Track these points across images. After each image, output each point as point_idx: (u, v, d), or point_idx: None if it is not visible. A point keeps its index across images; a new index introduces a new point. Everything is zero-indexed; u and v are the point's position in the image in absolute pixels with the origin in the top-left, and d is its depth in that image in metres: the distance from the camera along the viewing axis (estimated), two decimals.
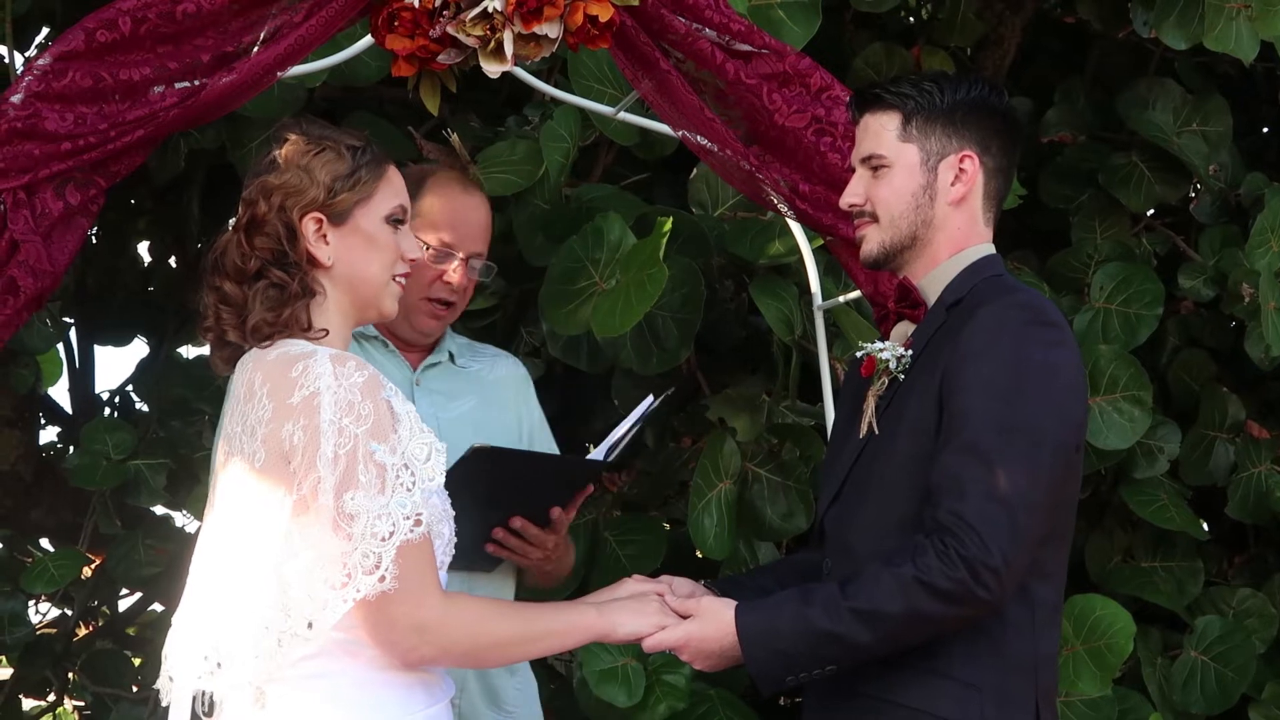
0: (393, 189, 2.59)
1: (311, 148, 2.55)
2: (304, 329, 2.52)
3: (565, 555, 3.26)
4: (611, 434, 3.07)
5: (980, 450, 2.55)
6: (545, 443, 3.39)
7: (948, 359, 2.63)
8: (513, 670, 3.26)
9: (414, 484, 2.39)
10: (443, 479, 2.45)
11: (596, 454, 3.08)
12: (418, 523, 2.38)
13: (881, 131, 2.78)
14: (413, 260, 2.61)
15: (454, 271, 3.20)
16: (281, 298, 2.52)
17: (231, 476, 2.48)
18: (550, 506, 3.06)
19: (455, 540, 2.55)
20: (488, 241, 3.30)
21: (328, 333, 2.53)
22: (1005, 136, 2.81)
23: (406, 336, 3.25)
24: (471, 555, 3.06)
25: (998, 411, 2.57)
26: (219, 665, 2.42)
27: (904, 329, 2.87)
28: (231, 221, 2.58)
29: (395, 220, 2.58)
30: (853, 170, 2.85)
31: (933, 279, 2.79)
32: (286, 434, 2.38)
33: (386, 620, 2.38)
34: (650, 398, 3.08)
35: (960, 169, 2.76)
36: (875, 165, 2.79)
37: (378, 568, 2.34)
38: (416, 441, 2.42)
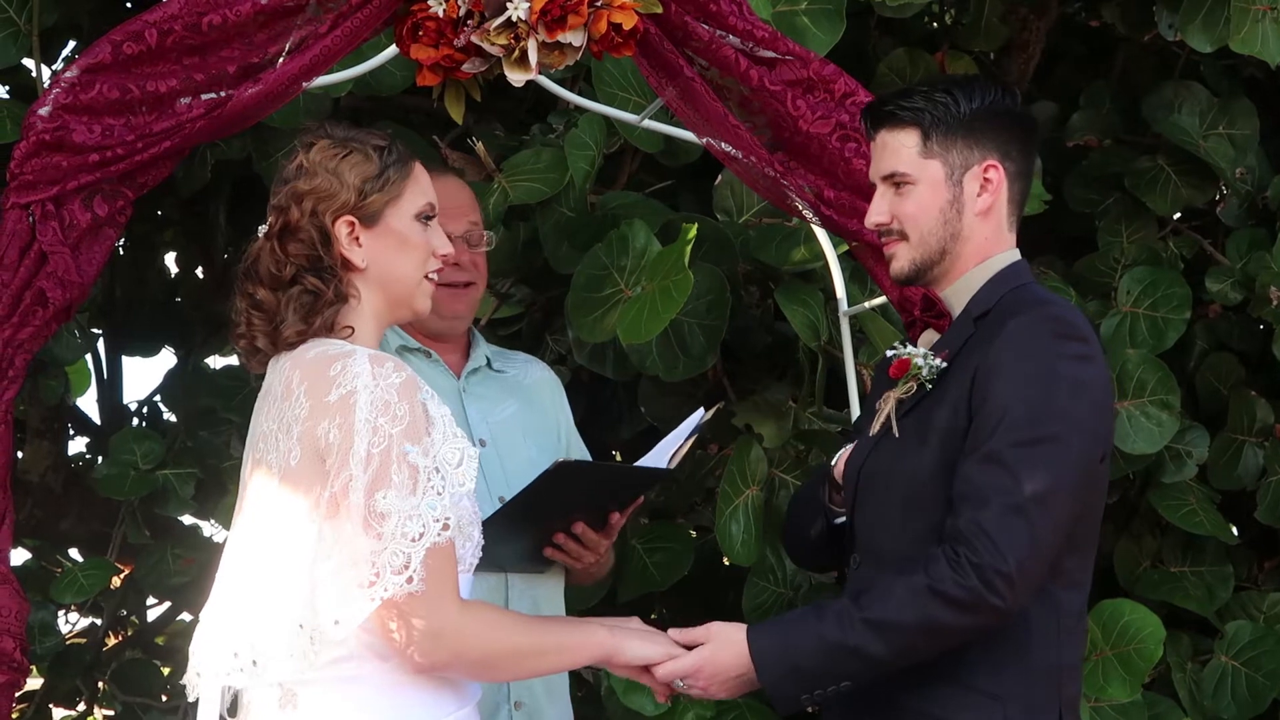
0: (420, 187, 2.61)
1: (338, 151, 2.56)
2: (329, 331, 2.53)
3: (608, 557, 3.27)
4: (660, 444, 3.07)
5: (1004, 461, 2.55)
6: (578, 445, 3.42)
7: (978, 370, 2.63)
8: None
9: (444, 488, 2.39)
10: (473, 485, 2.45)
11: (653, 461, 3.07)
12: (445, 527, 2.38)
13: (901, 149, 2.76)
14: (444, 256, 2.62)
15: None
16: (314, 305, 2.53)
17: (265, 475, 2.49)
18: (609, 512, 3.09)
19: (483, 544, 2.56)
20: (479, 213, 3.33)
21: (353, 330, 2.54)
22: (1023, 140, 2.80)
23: (438, 329, 3.26)
24: (531, 558, 3.11)
25: (1024, 424, 2.56)
26: (254, 663, 2.44)
27: (930, 336, 2.86)
28: (261, 229, 2.59)
29: (425, 217, 2.60)
30: (874, 185, 2.84)
31: (957, 289, 2.78)
32: (322, 432, 2.39)
33: (404, 623, 2.38)
34: (701, 410, 3.09)
35: (985, 179, 2.75)
36: (899, 182, 2.77)
37: (406, 568, 2.34)
38: (449, 446, 2.43)
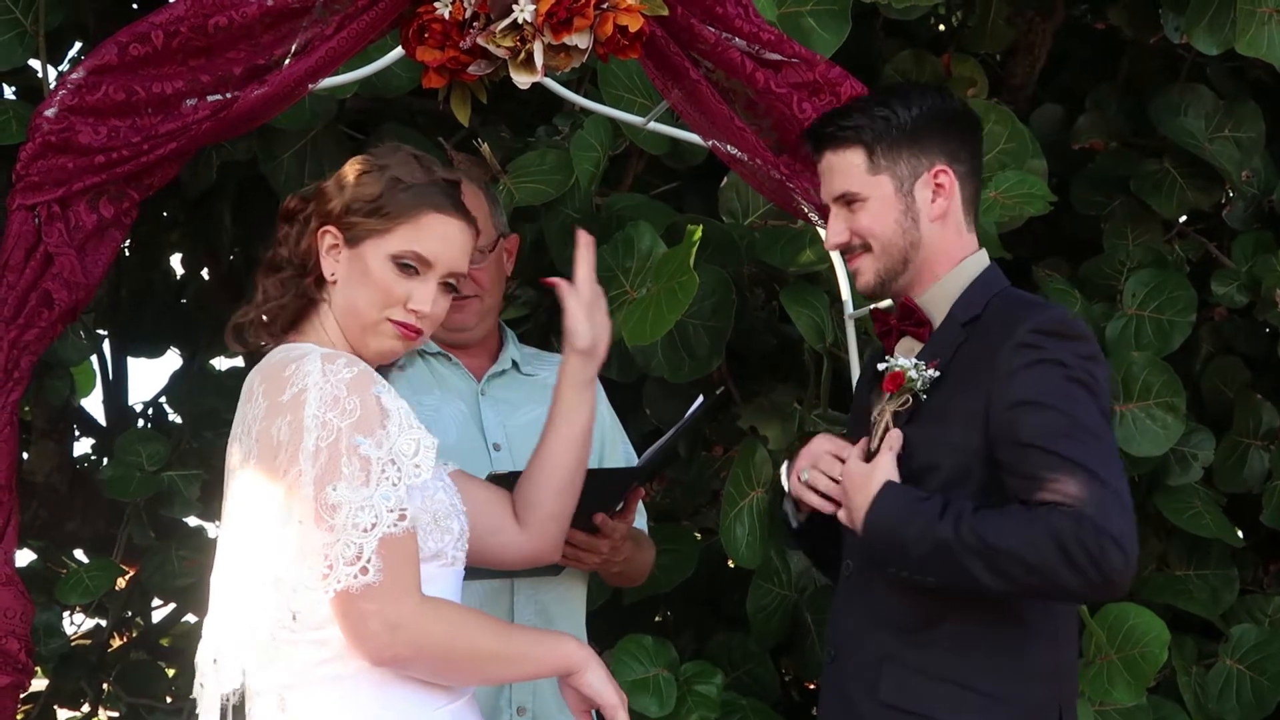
0: (418, 234, 2.55)
1: (363, 167, 2.58)
2: (273, 335, 2.56)
3: (636, 555, 3.24)
4: (662, 439, 3.07)
5: (1068, 456, 2.54)
6: (617, 444, 3.38)
7: (992, 384, 2.62)
8: None
9: (399, 479, 2.39)
10: (429, 473, 2.44)
11: (649, 457, 3.07)
12: (402, 517, 2.38)
13: (848, 169, 2.78)
14: (414, 310, 2.55)
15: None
16: (273, 298, 2.57)
17: (234, 478, 2.51)
18: (594, 513, 3.06)
19: (466, 535, 2.56)
20: (485, 228, 3.25)
21: (303, 335, 2.57)
22: (968, 138, 2.82)
23: (444, 338, 3.24)
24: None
25: (1057, 421, 2.56)
26: (214, 661, 2.47)
27: (909, 344, 2.86)
28: None
29: (403, 264, 2.54)
30: (827, 209, 2.85)
31: (933, 295, 2.80)
32: (275, 430, 2.40)
33: (359, 614, 2.36)
34: (701, 399, 3.09)
35: (937, 185, 2.77)
36: (850, 201, 2.79)
37: (359, 558, 2.34)
38: (405, 437, 2.42)
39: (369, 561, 2.34)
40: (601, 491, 3.06)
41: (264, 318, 2.58)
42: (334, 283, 2.56)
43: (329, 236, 2.56)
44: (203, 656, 2.53)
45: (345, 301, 2.56)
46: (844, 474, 2.71)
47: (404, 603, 2.37)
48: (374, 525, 2.35)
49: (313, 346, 2.50)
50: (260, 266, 2.63)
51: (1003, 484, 2.60)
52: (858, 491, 2.66)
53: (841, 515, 2.73)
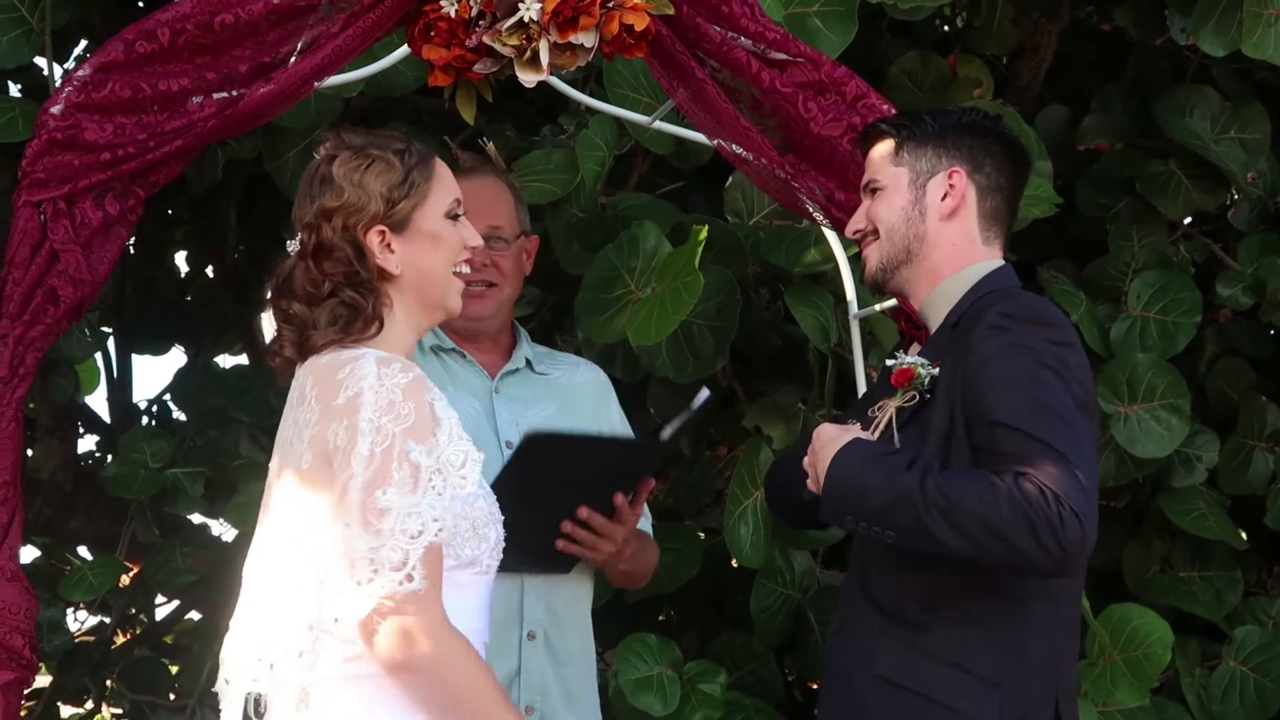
0: (445, 184, 2.62)
1: (361, 161, 2.57)
2: (356, 341, 2.55)
3: (642, 553, 3.25)
4: (666, 427, 3.07)
5: (1031, 434, 2.58)
6: None
7: (966, 367, 2.67)
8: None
9: (444, 489, 2.40)
10: (475, 486, 2.45)
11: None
12: (442, 528, 2.39)
13: (878, 160, 2.91)
14: (473, 248, 2.64)
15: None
16: (351, 318, 2.54)
17: (283, 480, 2.51)
18: (613, 494, 3.06)
19: (503, 543, 2.56)
20: (505, 215, 3.29)
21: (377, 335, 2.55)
22: (1000, 157, 2.90)
23: (463, 330, 3.25)
24: (546, 557, 3.08)
25: (1025, 403, 2.60)
26: (271, 667, 2.45)
27: (918, 348, 2.91)
28: (291, 246, 2.59)
29: (452, 215, 2.62)
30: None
31: (933, 299, 2.86)
32: (331, 435, 2.41)
33: (396, 619, 2.36)
34: (705, 391, 3.09)
35: (949, 184, 2.85)
36: (873, 189, 2.91)
37: (404, 564, 2.35)
38: (453, 448, 2.43)
39: (414, 569, 2.35)
40: (622, 470, 3.06)
41: (331, 335, 2.55)
42: (398, 276, 2.57)
43: (376, 237, 2.56)
44: (230, 654, 2.53)
45: (418, 279, 2.58)
46: (815, 435, 2.77)
47: (437, 612, 2.39)
48: (421, 533, 2.36)
49: (367, 350, 2.50)
50: (295, 301, 2.56)
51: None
52: (824, 447, 2.72)
53: (810, 484, 2.77)
